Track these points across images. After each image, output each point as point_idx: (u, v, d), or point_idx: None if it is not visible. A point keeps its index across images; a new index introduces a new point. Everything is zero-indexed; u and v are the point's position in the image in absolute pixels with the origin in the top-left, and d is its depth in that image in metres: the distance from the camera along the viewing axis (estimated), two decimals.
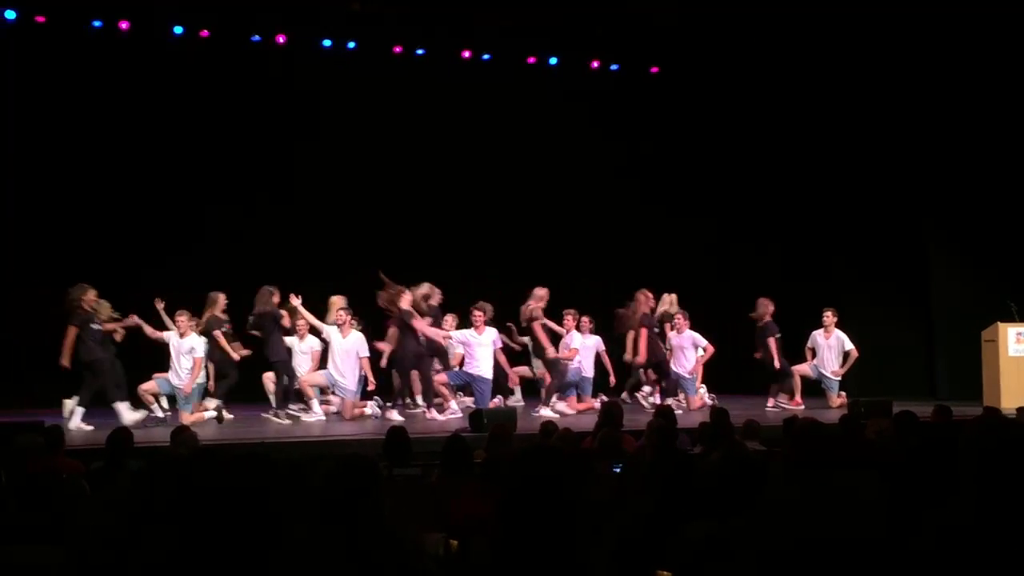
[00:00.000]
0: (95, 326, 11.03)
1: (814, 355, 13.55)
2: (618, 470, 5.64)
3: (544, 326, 12.92)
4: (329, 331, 12.03)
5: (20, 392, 12.39)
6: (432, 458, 7.26)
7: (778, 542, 2.99)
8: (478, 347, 12.46)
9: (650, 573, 3.14)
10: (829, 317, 13.41)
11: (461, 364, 12.75)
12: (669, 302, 13.80)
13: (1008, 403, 11.48)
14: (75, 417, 10.74)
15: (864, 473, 3.98)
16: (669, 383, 13.26)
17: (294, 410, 11.85)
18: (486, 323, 12.61)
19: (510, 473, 2.68)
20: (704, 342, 13.49)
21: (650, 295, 13.19)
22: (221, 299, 12.12)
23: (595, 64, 15.99)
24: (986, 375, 12.59)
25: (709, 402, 12.90)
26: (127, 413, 10.93)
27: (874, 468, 4.38)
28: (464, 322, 12.84)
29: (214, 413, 11.46)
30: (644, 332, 13.04)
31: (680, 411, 12.04)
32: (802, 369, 13.50)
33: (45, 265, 13.46)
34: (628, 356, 13.13)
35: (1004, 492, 3.10)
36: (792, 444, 4.03)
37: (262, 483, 2.92)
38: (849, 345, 13.39)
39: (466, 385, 12.89)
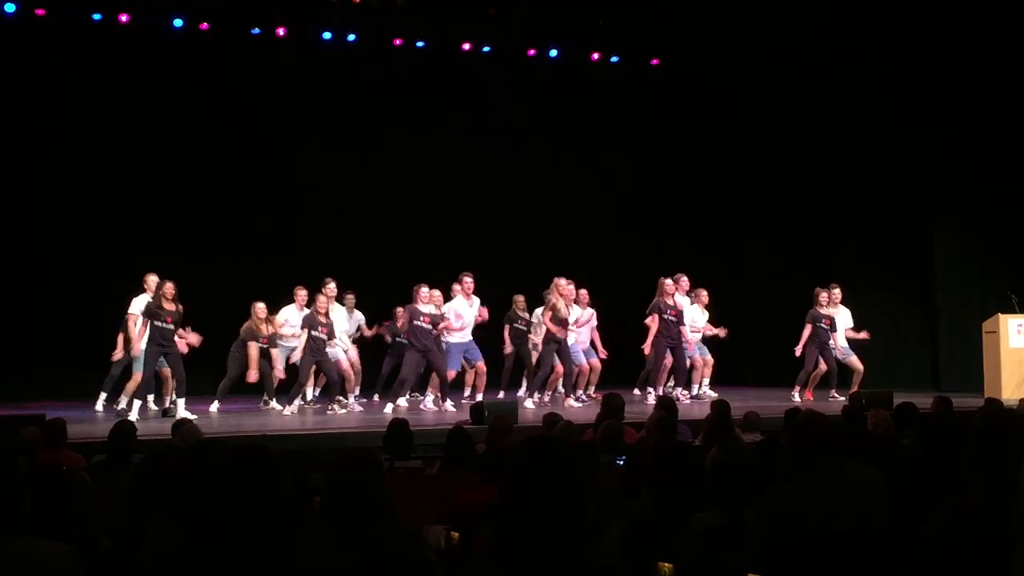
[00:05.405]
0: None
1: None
2: (621, 462, 5.64)
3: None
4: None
5: (21, 385, 12.42)
6: (432, 451, 7.28)
7: (783, 533, 3.00)
8: (468, 315, 12.49)
9: (653, 565, 3.14)
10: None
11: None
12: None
13: (1008, 394, 11.48)
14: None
15: (867, 464, 3.98)
16: (680, 371, 12.89)
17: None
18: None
19: (513, 461, 2.67)
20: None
21: (669, 282, 12.85)
22: (258, 308, 11.94)
23: (595, 56, 15.97)
24: (987, 366, 12.56)
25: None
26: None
27: (874, 459, 4.38)
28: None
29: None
30: (654, 318, 12.67)
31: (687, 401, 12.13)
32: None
33: (46, 260, 13.49)
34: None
35: (1006, 483, 3.10)
36: (794, 436, 4.03)
37: (264, 475, 2.91)
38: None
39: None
